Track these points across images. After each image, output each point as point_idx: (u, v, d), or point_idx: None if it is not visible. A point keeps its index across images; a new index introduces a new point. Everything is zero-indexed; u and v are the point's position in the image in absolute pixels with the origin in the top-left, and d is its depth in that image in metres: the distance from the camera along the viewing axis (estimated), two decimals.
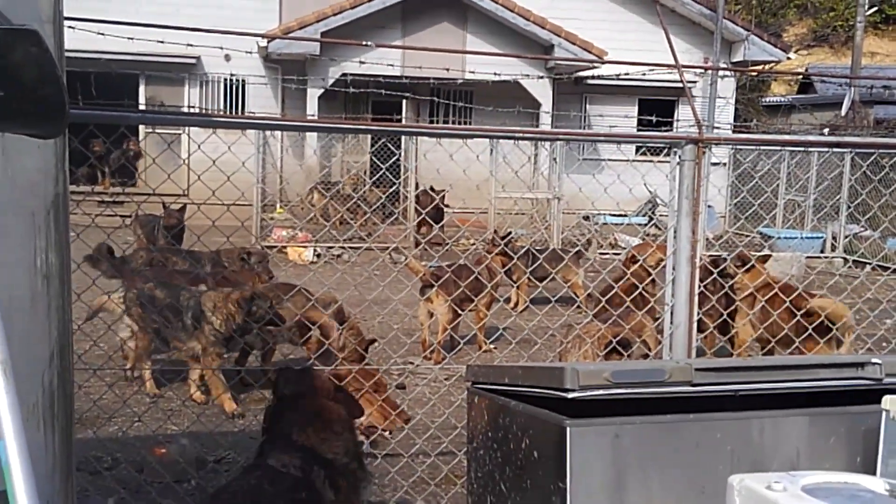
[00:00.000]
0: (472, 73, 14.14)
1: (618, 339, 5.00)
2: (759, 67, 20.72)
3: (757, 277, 6.84)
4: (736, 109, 22.78)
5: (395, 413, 4.20)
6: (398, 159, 14.47)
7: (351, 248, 13.69)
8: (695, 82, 19.95)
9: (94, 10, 11.13)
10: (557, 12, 18.60)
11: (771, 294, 5.84)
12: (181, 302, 6.12)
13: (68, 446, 2.86)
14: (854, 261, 14.16)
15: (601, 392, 2.53)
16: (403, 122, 18.24)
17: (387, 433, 4.22)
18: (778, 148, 15.17)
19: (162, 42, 6.42)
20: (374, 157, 17.04)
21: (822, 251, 15.32)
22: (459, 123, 19.19)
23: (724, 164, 18.60)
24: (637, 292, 5.15)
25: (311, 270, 10.96)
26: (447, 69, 12.53)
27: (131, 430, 5.44)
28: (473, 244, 13.50)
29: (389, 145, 6.70)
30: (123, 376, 6.59)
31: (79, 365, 3.97)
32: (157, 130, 15.53)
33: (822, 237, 15.64)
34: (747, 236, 15.96)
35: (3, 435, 1.15)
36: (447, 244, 11.35)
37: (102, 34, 6.78)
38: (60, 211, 2.67)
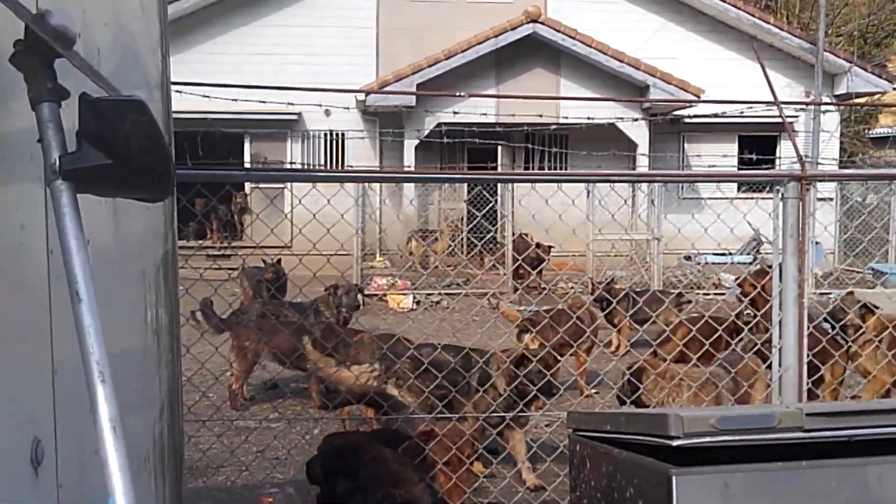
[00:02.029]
0: (566, 117, 14.10)
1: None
2: (864, 100, 20.09)
3: (881, 322, 6.60)
4: (841, 143, 22.11)
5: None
6: (494, 206, 14.51)
7: (449, 294, 13.75)
8: (797, 117, 19.47)
9: (200, 74, 11.67)
10: (653, 52, 18.50)
11: None
12: (471, 364, 5.53)
13: (178, 496, 2.94)
14: None
15: (707, 439, 2.46)
16: (499, 168, 18.33)
17: None
18: (886, 181, 14.63)
19: (264, 102, 6.66)
20: (469, 205, 17.16)
21: None
22: (555, 168, 19.18)
23: (831, 200, 18.01)
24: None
25: (410, 319, 11.06)
26: (540, 115, 12.55)
27: (239, 479, 5.54)
28: (572, 287, 13.38)
29: (485, 192, 6.72)
30: (231, 427, 6.74)
31: (188, 416, 4.09)
32: (261, 186, 16.04)
33: None
34: (858, 273, 15.38)
35: (114, 491, 1.19)
36: (545, 289, 11.30)
37: (208, 96, 7.06)
38: (169, 268, 2.78)
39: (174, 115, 3.10)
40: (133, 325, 2.16)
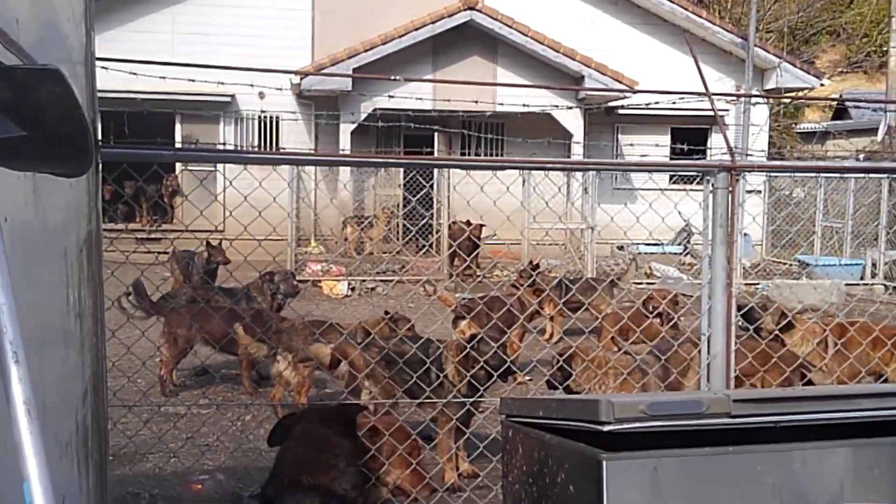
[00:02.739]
0: (502, 105, 14.14)
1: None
2: (793, 94, 20.57)
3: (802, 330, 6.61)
4: (770, 137, 22.61)
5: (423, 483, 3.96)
6: (429, 192, 14.47)
7: (383, 281, 13.70)
8: (727, 110, 19.84)
9: (130, 53, 11.36)
10: (589, 42, 18.65)
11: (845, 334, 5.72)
12: (428, 355, 5.37)
13: (103, 483, 2.86)
14: (895, 287, 13.93)
15: (637, 425, 2.48)
16: (435, 154, 18.31)
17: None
18: (812, 174, 15.02)
19: (193, 81, 6.51)
20: (405, 191, 17.12)
21: (861, 278, 15.08)
22: (490, 155, 19.24)
23: (760, 192, 18.43)
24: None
25: (343, 304, 10.99)
26: (476, 102, 12.57)
27: (168, 465, 5.44)
28: (507, 275, 13.45)
29: (420, 178, 6.68)
30: (159, 412, 6.61)
31: (114, 401, 3.99)
32: (191, 168, 15.72)
33: (861, 263, 15.41)
34: (784, 263, 15.77)
35: (29, 476, 1.14)
36: (480, 276, 11.35)
37: (135, 74, 6.88)
38: (93, 249, 2.70)
39: (99, 94, 3.00)
40: (53, 305, 2.08)
